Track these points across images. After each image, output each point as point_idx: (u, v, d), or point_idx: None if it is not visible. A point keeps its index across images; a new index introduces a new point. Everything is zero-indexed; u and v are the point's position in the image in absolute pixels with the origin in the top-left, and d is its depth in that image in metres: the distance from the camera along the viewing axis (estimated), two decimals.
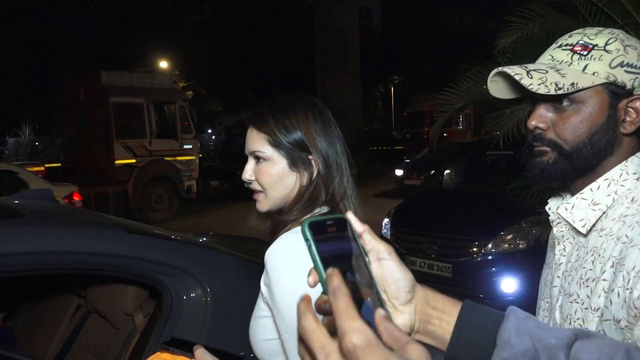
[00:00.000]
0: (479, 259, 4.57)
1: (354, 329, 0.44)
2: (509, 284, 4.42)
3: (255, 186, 1.15)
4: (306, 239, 0.54)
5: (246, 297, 2.05)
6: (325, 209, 1.11)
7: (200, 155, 14.42)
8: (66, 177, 11.38)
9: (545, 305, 1.04)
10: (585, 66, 0.90)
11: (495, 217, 4.82)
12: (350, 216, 0.59)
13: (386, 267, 0.61)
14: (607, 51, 0.90)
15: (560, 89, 0.87)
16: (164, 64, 22.86)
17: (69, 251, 1.66)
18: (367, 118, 25.31)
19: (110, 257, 1.73)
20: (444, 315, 0.64)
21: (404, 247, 5.03)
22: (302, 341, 0.48)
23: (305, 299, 0.49)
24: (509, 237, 4.56)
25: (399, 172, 14.17)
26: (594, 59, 0.90)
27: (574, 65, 0.91)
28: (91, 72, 11.49)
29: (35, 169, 12.06)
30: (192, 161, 12.23)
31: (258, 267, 2.21)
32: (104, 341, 2.16)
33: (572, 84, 0.88)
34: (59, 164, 12.84)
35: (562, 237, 1.00)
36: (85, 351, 2.22)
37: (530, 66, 0.92)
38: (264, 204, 1.14)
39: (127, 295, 1.98)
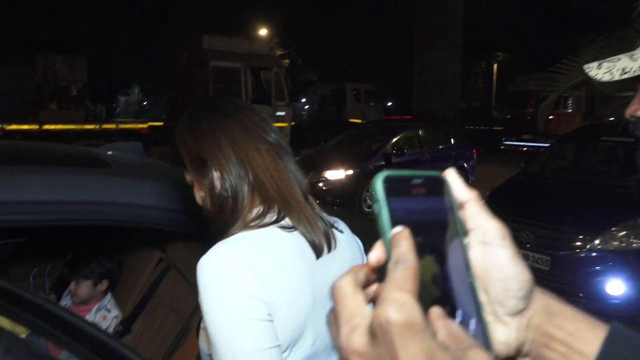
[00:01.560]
0: (582, 255, 4.12)
1: (397, 300, 0.32)
2: (615, 286, 3.95)
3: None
4: (376, 200, 0.38)
5: None
6: (259, 210, 0.97)
7: (293, 123, 14.56)
8: (167, 136, 12.00)
9: None
10: None
11: (606, 210, 4.31)
12: (451, 176, 0.42)
13: (493, 256, 0.41)
14: None
15: (625, 73, 0.84)
16: (263, 32, 23.22)
17: (145, 205, 1.63)
18: (465, 95, 24.16)
19: (187, 215, 1.67)
20: (575, 341, 0.43)
21: None
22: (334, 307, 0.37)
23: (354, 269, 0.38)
24: (622, 234, 4.05)
25: None
26: None
27: None
28: (194, 36, 11.87)
29: (140, 126, 12.85)
30: (284, 128, 12.37)
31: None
32: (180, 297, 2.16)
33: None
34: (162, 123, 13.56)
35: None
36: (163, 305, 2.24)
37: (610, 58, 0.90)
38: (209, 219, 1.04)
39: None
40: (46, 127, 10.70)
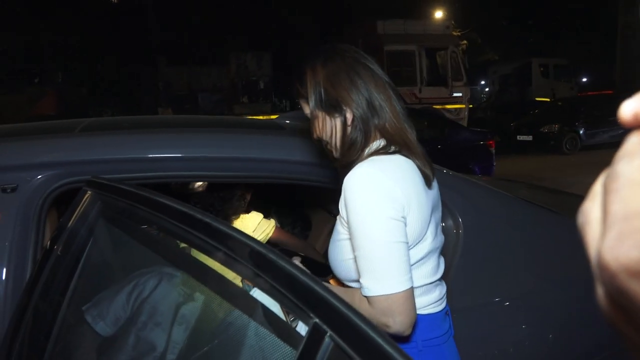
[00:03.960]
0: None
1: None
2: None
3: (322, 140, 1.21)
4: None
5: (504, 237, 1.75)
6: (382, 143, 1.14)
7: (471, 106, 13.87)
8: None
9: None
10: None
11: None
12: None
13: None
14: None
15: None
16: (439, 14, 22.50)
17: (313, 162, 1.63)
18: None
19: None
20: None
21: None
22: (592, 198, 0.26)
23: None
24: None
25: None
26: None
27: None
28: (369, 22, 12.03)
29: None
30: (461, 110, 11.86)
31: (529, 209, 1.86)
32: None
33: None
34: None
35: None
36: None
37: None
38: (334, 152, 1.19)
39: None
40: None
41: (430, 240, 1.15)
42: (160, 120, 2.42)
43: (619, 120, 0.27)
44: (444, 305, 1.24)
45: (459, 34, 18.62)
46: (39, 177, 1.46)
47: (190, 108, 13.67)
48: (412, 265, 1.11)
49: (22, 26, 17.38)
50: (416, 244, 1.12)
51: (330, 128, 1.16)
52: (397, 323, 1.02)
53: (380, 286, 1.01)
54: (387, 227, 1.02)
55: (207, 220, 0.77)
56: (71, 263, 1.21)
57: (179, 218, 0.84)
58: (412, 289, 1.04)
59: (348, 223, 1.07)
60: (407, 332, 1.05)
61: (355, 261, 1.07)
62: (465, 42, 22.67)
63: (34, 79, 17.17)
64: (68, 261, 1.21)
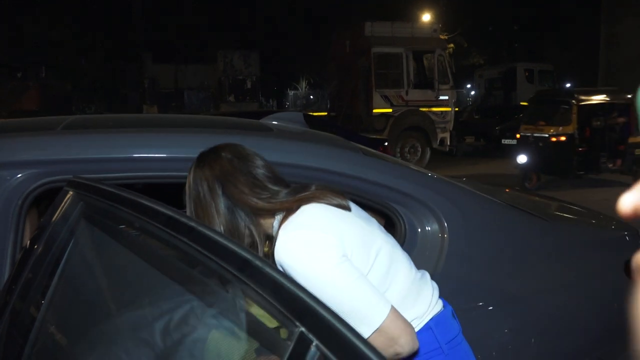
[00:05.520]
0: None
1: None
2: None
3: None
4: None
5: (488, 242, 1.76)
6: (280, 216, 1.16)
7: (457, 109, 13.97)
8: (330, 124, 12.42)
9: None
10: None
11: None
12: None
13: None
14: None
15: None
16: (426, 17, 22.62)
17: (305, 166, 1.62)
18: None
19: (344, 177, 1.64)
20: None
21: None
22: None
23: None
24: None
25: None
26: None
27: None
28: (356, 24, 12.05)
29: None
30: (447, 113, 11.91)
31: (513, 214, 1.87)
32: None
33: None
34: (325, 113, 14.07)
35: None
36: None
37: None
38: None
39: None
40: None
41: (384, 246, 1.17)
42: (145, 118, 2.38)
43: (618, 213, 0.28)
44: (442, 302, 1.27)
45: (445, 37, 18.75)
46: (19, 175, 1.42)
47: (176, 106, 13.61)
48: (386, 275, 1.15)
49: (4, 19, 17.06)
50: (373, 264, 1.13)
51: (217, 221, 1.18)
52: (404, 344, 1.02)
53: (367, 326, 1.01)
54: (341, 272, 1.03)
55: (192, 224, 0.76)
56: (51, 264, 1.18)
57: (163, 221, 0.82)
58: (393, 307, 1.05)
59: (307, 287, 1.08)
60: (416, 346, 1.05)
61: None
62: (452, 45, 22.87)
63: (16, 73, 16.87)
64: (48, 262, 1.19)
